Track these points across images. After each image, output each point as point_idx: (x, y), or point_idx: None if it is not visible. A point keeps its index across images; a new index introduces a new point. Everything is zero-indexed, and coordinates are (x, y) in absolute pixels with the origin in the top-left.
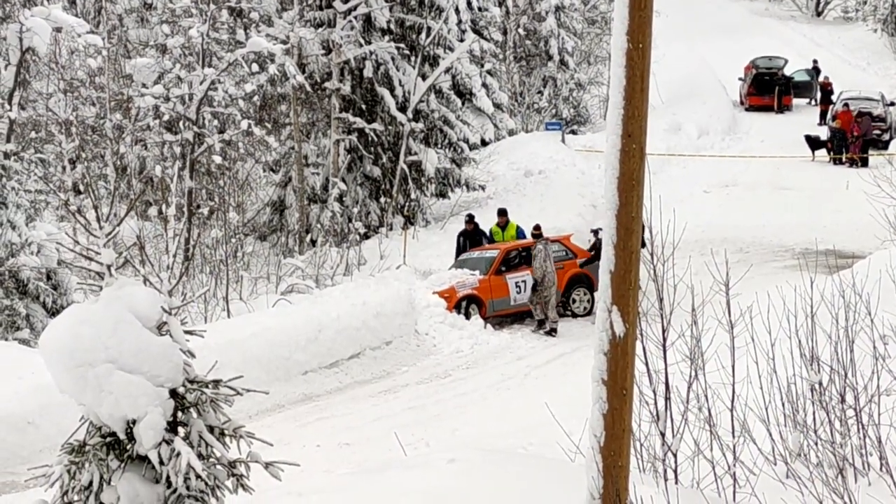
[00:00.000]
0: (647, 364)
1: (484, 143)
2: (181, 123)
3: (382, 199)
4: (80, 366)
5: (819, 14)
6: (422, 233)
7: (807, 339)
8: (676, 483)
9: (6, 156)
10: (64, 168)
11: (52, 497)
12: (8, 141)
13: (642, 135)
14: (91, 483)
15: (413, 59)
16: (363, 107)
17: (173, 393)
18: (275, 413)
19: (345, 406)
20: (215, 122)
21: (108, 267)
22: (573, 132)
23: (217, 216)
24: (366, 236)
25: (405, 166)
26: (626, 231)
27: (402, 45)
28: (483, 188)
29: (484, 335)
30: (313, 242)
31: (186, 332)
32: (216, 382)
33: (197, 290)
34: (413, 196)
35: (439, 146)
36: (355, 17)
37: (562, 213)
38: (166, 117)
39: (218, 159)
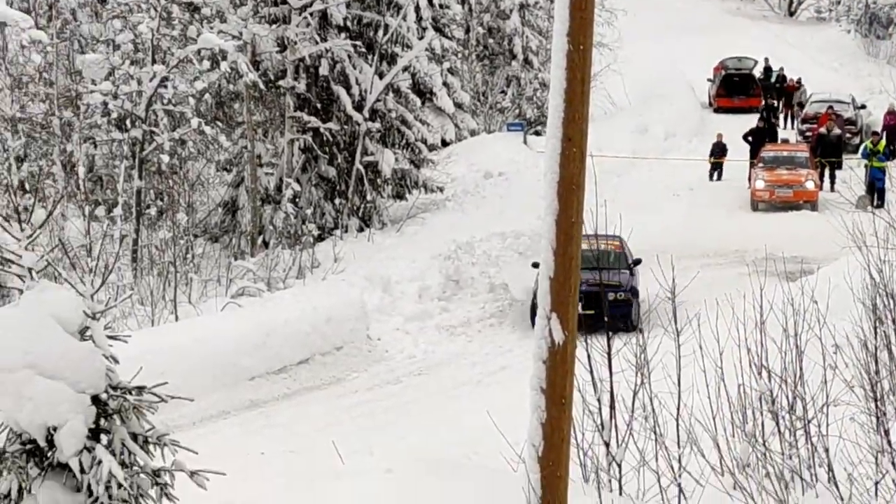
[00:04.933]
0: (591, 372)
1: (444, 143)
2: (129, 121)
3: (337, 201)
4: None
5: (791, 14)
6: (377, 235)
7: (756, 348)
8: (621, 494)
9: None
10: (10, 167)
11: None
12: None
13: (583, 138)
14: (10, 492)
15: (370, 57)
16: (318, 106)
17: (95, 399)
18: (220, 419)
19: (292, 413)
20: (165, 121)
21: (30, 270)
22: (536, 133)
23: (166, 217)
24: (320, 238)
25: (361, 167)
26: (566, 237)
27: (358, 43)
28: (441, 190)
29: (438, 341)
30: (266, 244)
31: (110, 338)
32: (140, 389)
33: (145, 292)
34: (369, 198)
35: (397, 146)
36: (311, 14)
37: (522, 216)
38: (115, 115)
39: (166, 158)
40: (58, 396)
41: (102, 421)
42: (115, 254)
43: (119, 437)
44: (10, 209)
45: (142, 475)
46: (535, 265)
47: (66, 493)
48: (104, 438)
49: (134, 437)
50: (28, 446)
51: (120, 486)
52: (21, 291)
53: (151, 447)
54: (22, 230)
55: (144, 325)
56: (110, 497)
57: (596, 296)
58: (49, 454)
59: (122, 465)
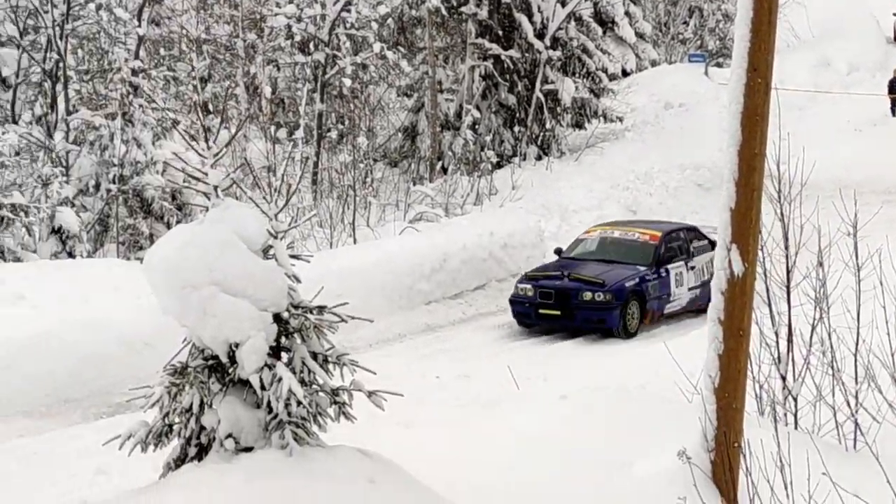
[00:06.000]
0: (769, 305)
1: (625, 73)
2: (313, 44)
3: (516, 129)
4: (185, 287)
5: None
6: (556, 164)
7: None
8: (797, 428)
9: (134, 73)
10: (195, 87)
11: (153, 418)
12: (136, 58)
13: (768, 69)
14: (191, 406)
15: None
16: (500, 33)
17: (277, 318)
18: (396, 342)
19: (466, 338)
20: (348, 45)
21: (215, 188)
22: (718, 65)
23: (347, 140)
24: (498, 165)
25: (541, 95)
26: (749, 167)
27: None
28: (621, 120)
29: None
30: (444, 170)
31: (292, 257)
32: (321, 308)
33: (325, 214)
34: (548, 126)
35: (577, 75)
36: None
37: (701, 148)
38: (298, 38)
39: (348, 82)
40: (241, 314)
41: (283, 339)
42: (296, 175)
43: (299, 356)
44: (195, 129)
45: (321, 393)
46: (558, 251)
47: (246, 409)
48: (284, 356)
49: (314, 355)
50: (210, 362)
51: (299, 403)
52: (206, 209)
53: (331, 366)
54: (208, 149)
55: (323, 247)
56: (290, 414)
57: (563, 294)
58: (230, 370)
59: (302, 382)
